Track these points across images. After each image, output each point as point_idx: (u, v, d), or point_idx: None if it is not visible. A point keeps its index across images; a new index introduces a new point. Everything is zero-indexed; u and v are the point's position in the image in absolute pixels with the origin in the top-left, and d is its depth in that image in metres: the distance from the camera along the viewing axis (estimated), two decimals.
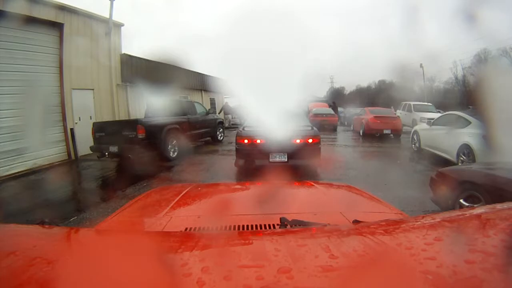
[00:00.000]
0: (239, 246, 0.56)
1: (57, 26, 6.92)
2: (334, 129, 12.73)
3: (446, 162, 5.25)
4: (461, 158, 5.05)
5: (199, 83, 14.12)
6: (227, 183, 3.42)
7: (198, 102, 9.57)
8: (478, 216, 0.69)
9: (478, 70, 19.70)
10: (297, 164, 4.54)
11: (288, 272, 0.42)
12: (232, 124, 13.52)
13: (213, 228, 0.92)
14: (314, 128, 5.02)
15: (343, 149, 8.56)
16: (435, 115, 8.60)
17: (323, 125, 11.35)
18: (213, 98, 15.53)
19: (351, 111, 14.44)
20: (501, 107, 4.20)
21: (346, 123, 14.99)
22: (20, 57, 6.05)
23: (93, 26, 7.99)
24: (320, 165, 4.93)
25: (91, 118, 7.72)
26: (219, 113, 11.89)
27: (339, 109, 17.03)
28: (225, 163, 6.00)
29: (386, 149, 8.21)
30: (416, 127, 7.76)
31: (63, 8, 6.97)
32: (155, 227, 0.94)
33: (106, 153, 6.09)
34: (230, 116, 13.93)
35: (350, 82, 36.36)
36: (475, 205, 2.46)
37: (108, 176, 5.82)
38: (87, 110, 7.77)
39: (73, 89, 7.31)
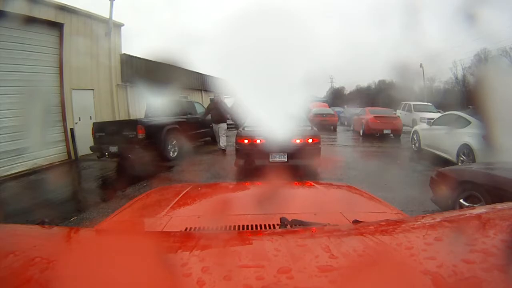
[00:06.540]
0: (239, 246, 0.56)
1: (57, 26, 6.92)
2: (334, 129, 12.75)
3: (446, 162, 5.25)
4: (461, 158, 5.05)
5: (199, 83, 14.11)
6: (227, 183, 3.42)
7: (198, 102, 9.56)
8: (478, 216, 0.69)
9: (478, 70, 19.70)
10: (297, 164, 4.53)
11: (288, 272, 0.42)
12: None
13: (213, 228, 0.92)
14: (314, 128, 5.01)
15: (343, 149, 8.56)
16: (435, 115, 8.59)
17: (323, 125, 11.36)
18: (213, 98, 15.53)
19: (351, 111, 14.43)
20: (501, 107, 4.20)
21: (346, 123, 14.98)
22: (20, 57, 6.05)
23: (93, 26, 8.00)
24: (320, 165, 4.92)
25: (91, 118, 7.72)
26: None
27: (339, 109, 17.02)
28: (225, 163, 6.00)
29: (386, 149, 8.21)
30: (416, 127, 7.76)
31: (63, 8, 6.97)
32: (155, 227, 0.94)
33: (106, 153, 6.09)
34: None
35: (350, 82, 36.35)
36: (475, 205, 2.46)
37: (108, 176, 5.82)
38: (87, 110, 7.77)
39: (73, 89, 7.31)
